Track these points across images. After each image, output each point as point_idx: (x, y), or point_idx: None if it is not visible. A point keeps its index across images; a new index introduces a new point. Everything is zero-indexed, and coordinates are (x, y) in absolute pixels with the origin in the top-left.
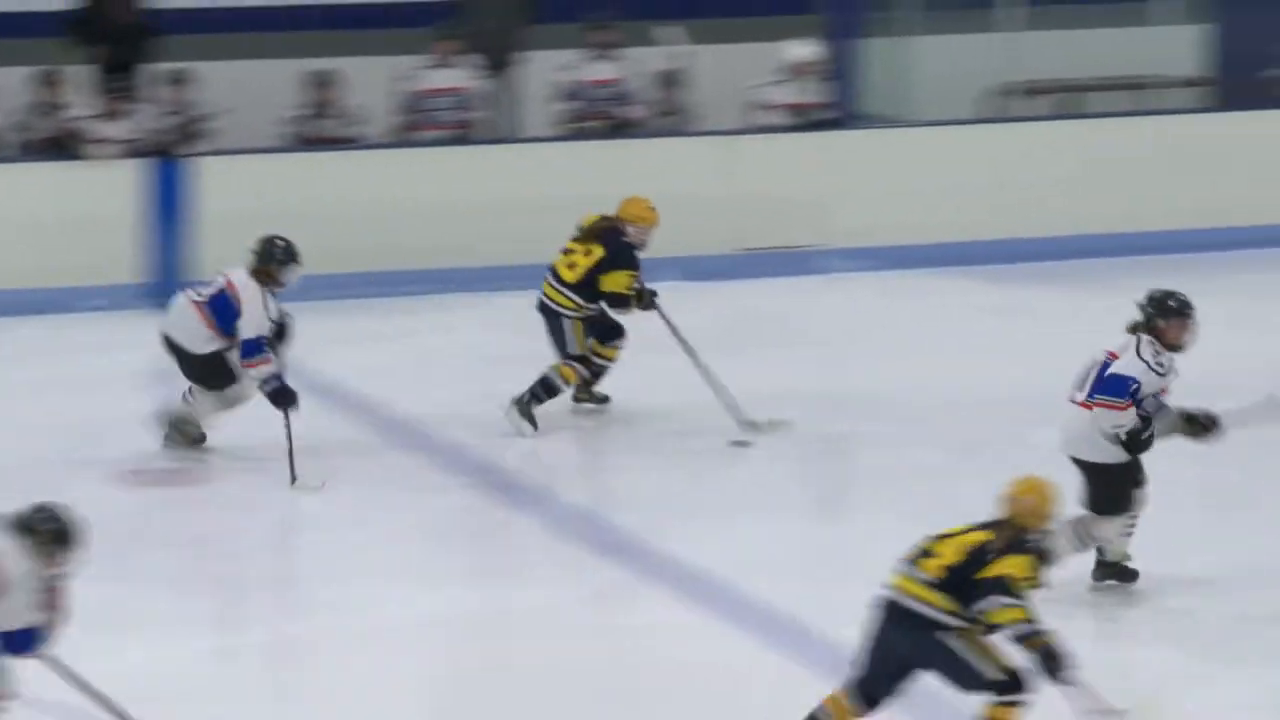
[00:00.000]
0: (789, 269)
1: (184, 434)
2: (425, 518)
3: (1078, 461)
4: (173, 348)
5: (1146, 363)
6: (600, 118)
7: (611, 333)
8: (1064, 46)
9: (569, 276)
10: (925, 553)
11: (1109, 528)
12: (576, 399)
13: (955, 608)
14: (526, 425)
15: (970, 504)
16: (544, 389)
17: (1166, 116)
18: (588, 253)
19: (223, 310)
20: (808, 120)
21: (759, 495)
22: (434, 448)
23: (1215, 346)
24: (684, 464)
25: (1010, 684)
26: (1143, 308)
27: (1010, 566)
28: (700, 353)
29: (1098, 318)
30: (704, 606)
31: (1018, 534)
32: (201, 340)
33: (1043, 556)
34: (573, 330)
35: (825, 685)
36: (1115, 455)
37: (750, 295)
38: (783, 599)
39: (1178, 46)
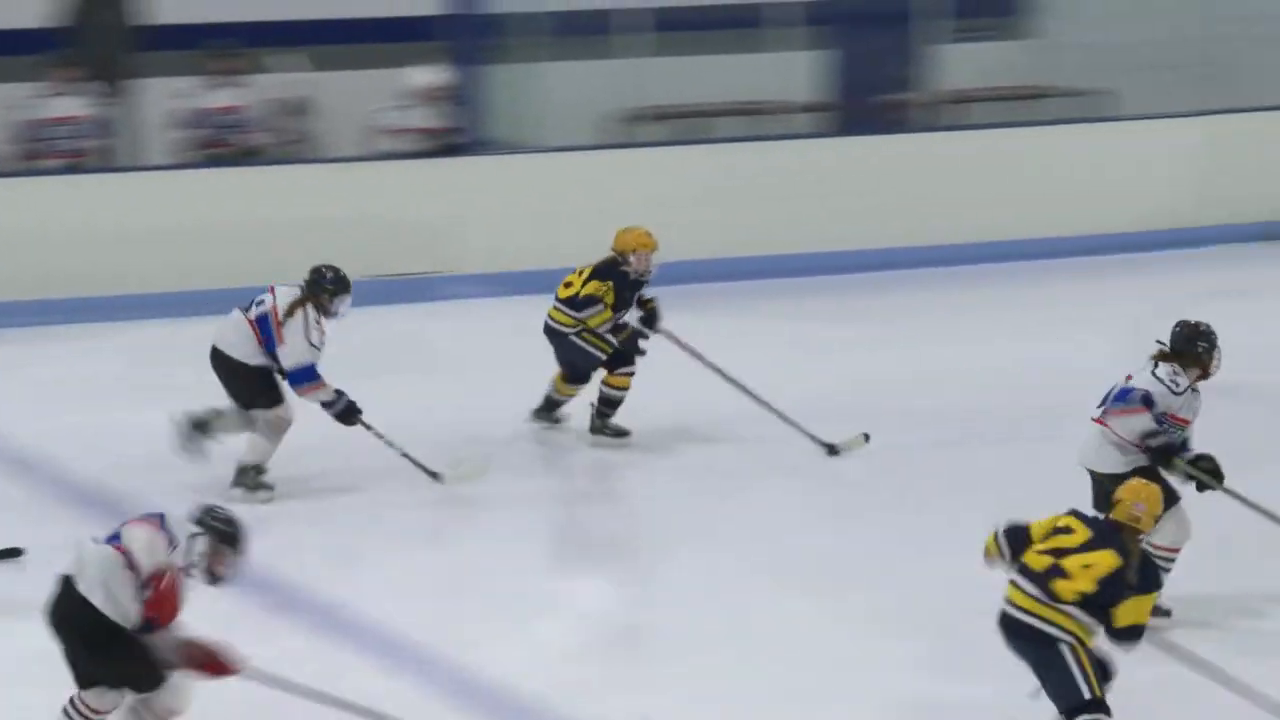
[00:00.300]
0: (417, 295)
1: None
2: None
3: (1091, 473)
4: (222, 363)
5: (1160, 379)
6: (222, 145)
7: (621, 361)
8: (687, 72)
9: (563, 294)
10: (1056, 571)
11: None
12: (593, 431)
13: (1080, 629)
14: (619, 439)
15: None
16: (606, 405)
17: (786, 141)
18: (582, 275)
19: (267, 332)
20: (433, 146)
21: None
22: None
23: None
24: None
25: (1100, 706)
26: (1174, 336)
27: (1140, 613)
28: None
29: (724, 340)
30: None
31: (1137, 550)
32: (252, 352)
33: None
34: (584, 341)
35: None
36: (1126, 464)
37: (379, 322)
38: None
39: (797, 72)
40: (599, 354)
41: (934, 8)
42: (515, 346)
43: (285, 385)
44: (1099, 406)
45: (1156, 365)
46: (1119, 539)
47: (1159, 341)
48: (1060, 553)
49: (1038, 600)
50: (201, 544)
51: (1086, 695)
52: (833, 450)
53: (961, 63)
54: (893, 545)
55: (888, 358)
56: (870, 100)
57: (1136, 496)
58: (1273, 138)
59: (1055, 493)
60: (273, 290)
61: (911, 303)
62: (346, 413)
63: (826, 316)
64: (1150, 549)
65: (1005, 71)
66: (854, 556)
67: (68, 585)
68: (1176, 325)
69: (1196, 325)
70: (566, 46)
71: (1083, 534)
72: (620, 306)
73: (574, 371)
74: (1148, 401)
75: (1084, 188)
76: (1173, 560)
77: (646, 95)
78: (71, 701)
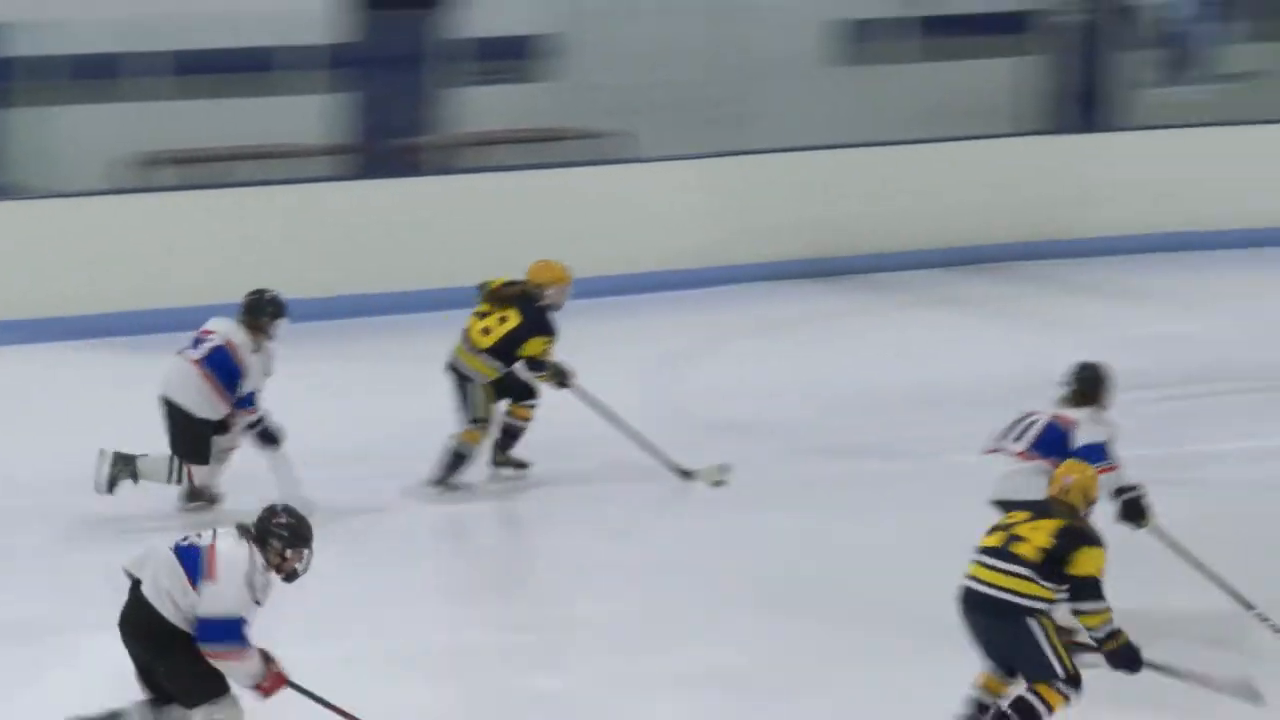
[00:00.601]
0: None
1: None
2: None
3: (1011, 504)
4: (173, 412)
5: (1104, 423)
6: None
7: (525, 393)
8: (205, 116)
9: (483, 342)
10: (1014, 539)
11: None
12: (496, 463)
13: (1044, 592)
14: (520, 470)
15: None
16: (453, 460)
17: (303, 185)
18: (503, 319)
19: (223, 367)
20: None
21: None
22: None
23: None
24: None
25: (1072, 681)
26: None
27: (1093, 564)
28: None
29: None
30: None
31: (1079, 514)
32: (209, 406)
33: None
34: (478, 394)
35: None
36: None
37: None
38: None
39: (316, 116)
40: (477, 413)
41: (452, 51)
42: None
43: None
44: (1010, 440)
45: (1074, 408)
46: (1057, 506)
47: (1065, 384)
48: (1010, 527)
49: (1003, 571)
50: (275, 545)
51: (1059, 670)
52: (687, 475)
53: (482, 105)
54: None
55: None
56: (388, 143)
57: (1069, 471)
58: (781, 179)
59: None
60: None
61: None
62: (267, 434)
63: (346, 358)
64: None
65: (525, 114)
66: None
67: (136, 592)
68: (1079, 367)
69: (1096, 366)
70: (82, 90)
71: (1026, 514)
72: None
73: (464, 413)
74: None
75: (604, 228)
76: None
77: (163, 139)
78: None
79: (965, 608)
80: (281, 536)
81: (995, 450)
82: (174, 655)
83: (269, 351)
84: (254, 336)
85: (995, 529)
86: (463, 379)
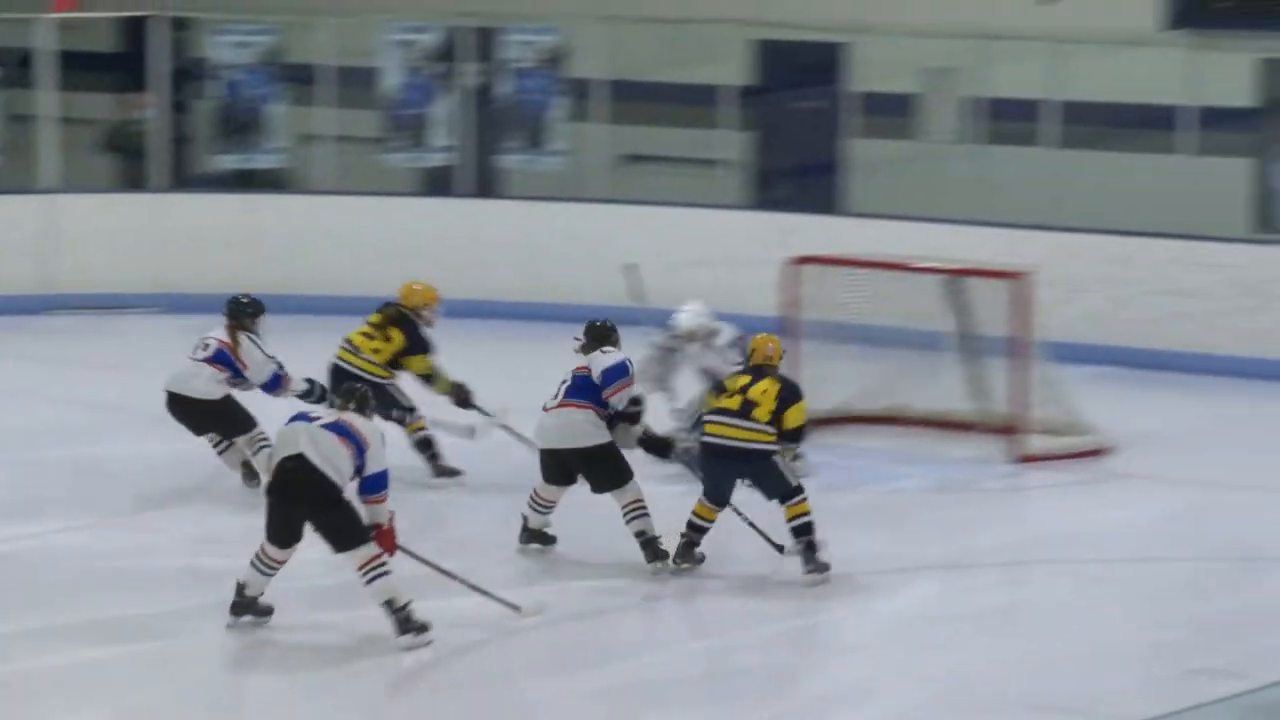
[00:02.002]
0: None
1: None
2: None
3: (562, 451)
4: (182, 406)
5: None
6: None
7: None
8: None
9: (376, 358)
10: (749, 404)
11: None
12: (439, 474)
13: (774, 440)
14: (455, 477)
15: None
16: (428, 447)
17: None
18: (388, 339)
19: (228, 364)
20: None
21: None
22: None
23: None
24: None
25: (800, 490)
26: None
27: (800, 416)
28: None
29: None
30: None
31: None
32: (215, 385)
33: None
34: (389, 392)
35: None
36: (603, 437)
37: None
38: None
39: None
40: (406, 403)
41: None
42: None
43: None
44: (555, 398)
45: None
46: (767, 370)
47: (577, 338)
48: (744, 390)
49: (748, 429)
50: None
51: (794, 484)
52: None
53: None
54: None
55: None
56: None
57: (766, 342)
58: None
59: None
60: (214, 337)
61: None
62: (322, 397)
63: None
64: None
65: None
66: None
67: (297, 462)
68: (591, 324)
69: (605, 322)
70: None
71: (746, 378)
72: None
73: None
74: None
75: None
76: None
77: None
78: (258, 555)
79: (715, 457)
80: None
81: (557, 407)
82: (337, 509)
83: (253, 343)
84: (247, 333)
85: (731, 394)
86: (354, 379)
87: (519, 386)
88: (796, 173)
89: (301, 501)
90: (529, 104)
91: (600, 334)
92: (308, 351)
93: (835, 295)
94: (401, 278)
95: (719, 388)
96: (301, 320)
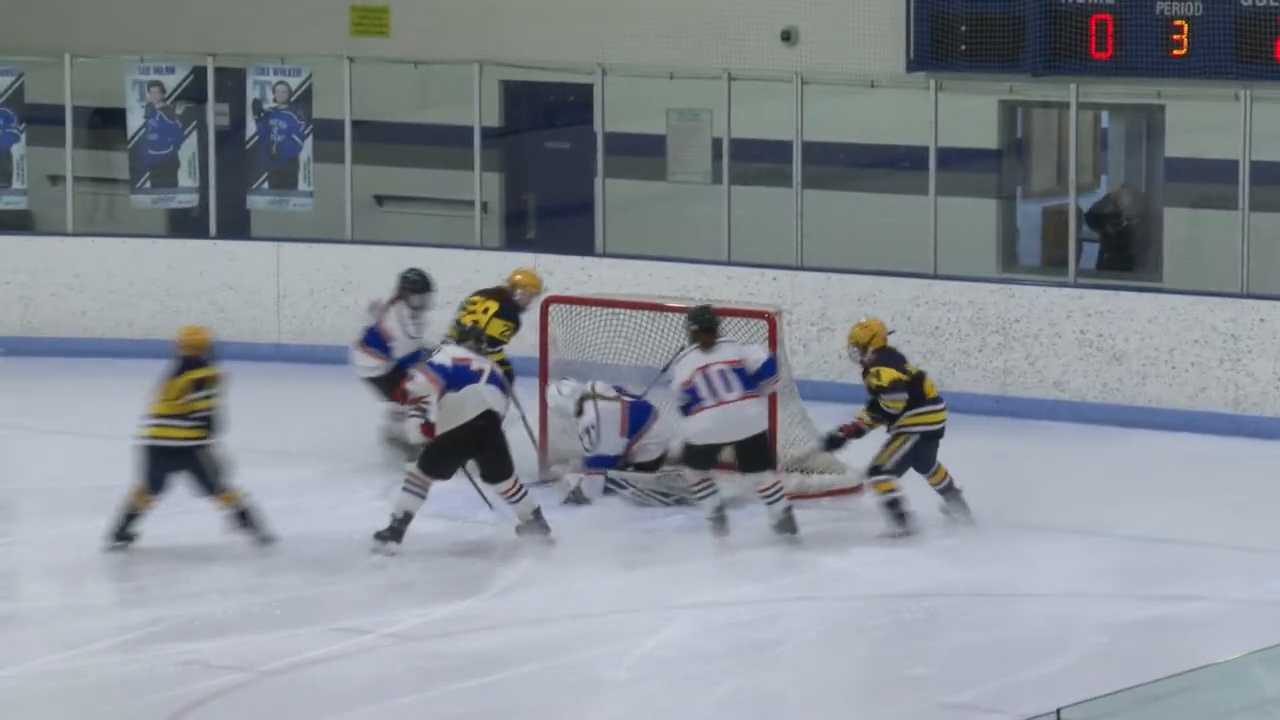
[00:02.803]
0: None
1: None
2: None
3: (753, 438)
4: (367, 382)
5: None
6: None
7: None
8: None
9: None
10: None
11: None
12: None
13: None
14: None
15: None
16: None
17: None
18: (485, 310)
19: (374, 341)
20: None
21: None
22: None
23: None
24: None
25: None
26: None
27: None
28: None
29: None
30: None
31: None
32: (369, 369)
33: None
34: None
35: None
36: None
37: None
38: None
39: None
40: None
41: None
42: None
43: None
44: (717, 393)
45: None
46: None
47: (695, 323)
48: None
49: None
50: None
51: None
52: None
53: None
54: None
55: None
56: None
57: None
58: None
59: None
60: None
61: None
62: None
63: None
64: None
65: None
66: None
67: (492, 415)
68: (700, 310)
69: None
70: None
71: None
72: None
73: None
74: None
75: None
76: None
77: None
78: (407, 478)
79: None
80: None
81: (739, 400)
82: (502, 441)
83: (413, 321)
84: (402, 308)
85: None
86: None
87: (268, 426)
88: (548, 213)
89: (482, 448)
90: (277, 144)
91: (714, 323)
92: (57, 392)
93: (589, 336)
94: (150, 319)
95: None
96: (47, 362)
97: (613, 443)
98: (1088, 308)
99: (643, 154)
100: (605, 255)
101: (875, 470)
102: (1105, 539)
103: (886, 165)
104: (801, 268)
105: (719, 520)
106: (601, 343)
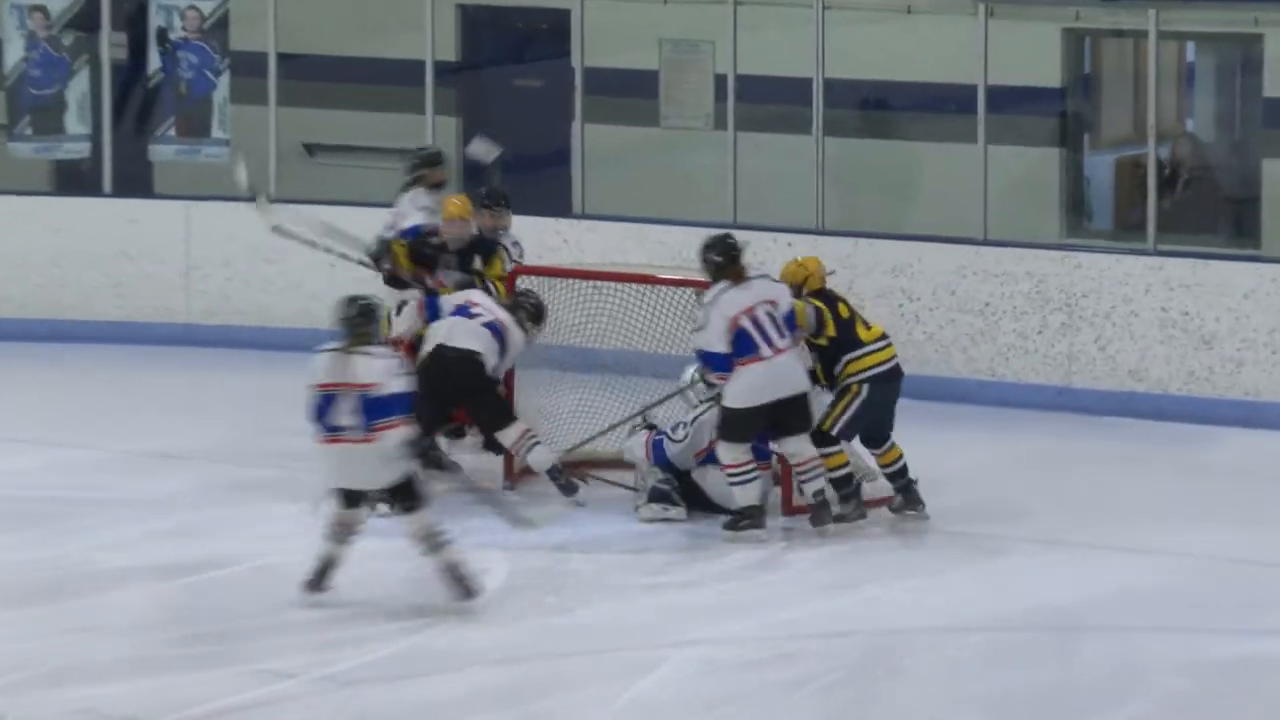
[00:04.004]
0: None
1: None
2: None
3: (800, 394)
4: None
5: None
6: None
7: None
8: None
9: None
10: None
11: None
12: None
13: None
14: None
15: None
16: None
17: None
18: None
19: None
20: None
21: None
22: None
23: None
24: None
25: None
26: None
27: None
28: None
29: None
30: None
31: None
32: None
33: None
34: None
35: None
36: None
37: None
38: None
39: None
40: None
41: None
42: None
43: None
44: (771, 342)
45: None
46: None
47: (718, 253)
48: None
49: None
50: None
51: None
52: None
53: None
54: None
55: None
56: None
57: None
58: None
59: None
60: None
61: None
62: None
63: None
64: None
65: None
66: None
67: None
68: (720, 238)
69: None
70: None
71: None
72: None
73: None
74: None
75: None
76: None
77: None
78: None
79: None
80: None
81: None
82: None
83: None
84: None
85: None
86: None
87: (171, 422)
88: (516, 166)
89: (462, 393)
90: (186, 82)
91: (739, 251)
92: None
93: (564, 315)
94: (33, 290)
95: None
96: None
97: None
98: (1170, 280)
99: (631, 94)
100: (584, 217)
101: (821, 438)
102: (1186, 560)
103: (926, 108)
104: (823, 232)
105: (755, 517)
106: (579, 323)
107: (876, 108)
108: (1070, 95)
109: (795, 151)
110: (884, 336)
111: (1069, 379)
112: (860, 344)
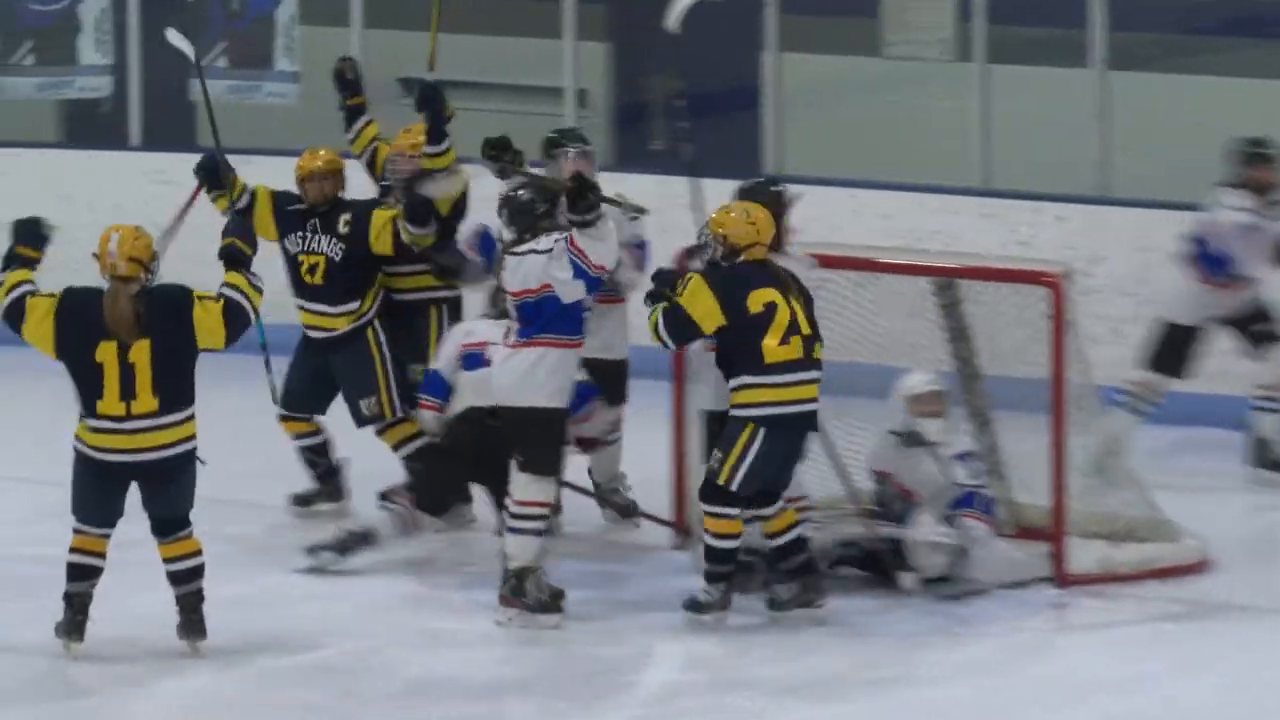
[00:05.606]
0: None
1: None
2: None
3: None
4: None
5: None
6: None
7: None
8: None
9: None
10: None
11: None
12: None
13: None
14: None
15: None
16: None
17: None
18: None
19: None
20: None
21: None
22: None
23: None
24: None
25: None
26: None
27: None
28: None
29: None
30: None
31: None
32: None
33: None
34: None
35: None
36: None
37: None
38: None
39: None
40: None
41: None
42: None
43: None
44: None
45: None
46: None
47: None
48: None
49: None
50: None
51: None
52: None
53: None
54: None
55: None
56: None
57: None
58: None
59: None
60: None
61: None
62: None
63: None
64: None
65: None
66: None
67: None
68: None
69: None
70: None
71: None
72: None
73: None
74: None
75: None
76: None
77: None
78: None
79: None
80: None
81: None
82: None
83: None
84: None
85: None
86: None
87: None
88: (687, 110)
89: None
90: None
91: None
92: None
93: None
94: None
95: None
96: None
97: None
98: None
99: (842, 13)
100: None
101: (708, 492)
102: None
103: (1236, 33)
104: (1107, 201)
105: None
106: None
107: (1173, 32)
108: None
109: (1065, 89)
110: (804, 362)
111: None
112: (759, 366)
